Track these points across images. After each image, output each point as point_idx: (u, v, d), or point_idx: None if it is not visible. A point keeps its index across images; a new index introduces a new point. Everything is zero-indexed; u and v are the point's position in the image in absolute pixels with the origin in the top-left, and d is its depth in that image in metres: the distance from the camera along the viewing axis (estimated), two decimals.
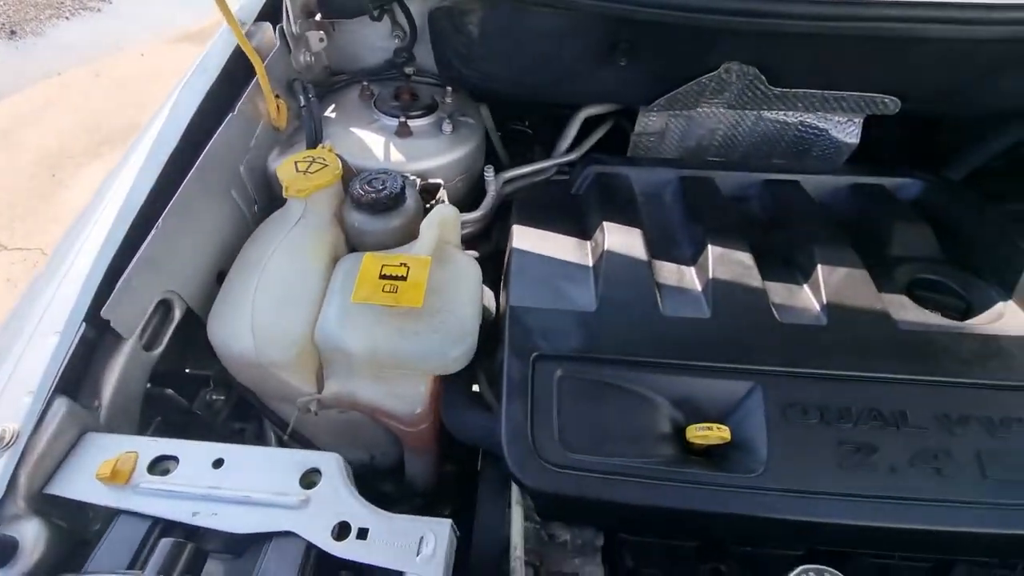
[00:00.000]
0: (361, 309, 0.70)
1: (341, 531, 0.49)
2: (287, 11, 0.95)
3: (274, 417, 0.79)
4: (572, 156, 1.14)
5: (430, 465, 0.85)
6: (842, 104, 1.08)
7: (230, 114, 0.83)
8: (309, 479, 0.53)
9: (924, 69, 0.95)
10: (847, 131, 1.15)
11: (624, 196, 0.96)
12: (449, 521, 0.51)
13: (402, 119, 0.99)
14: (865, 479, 0.64)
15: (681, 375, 0.71)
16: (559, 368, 0.71)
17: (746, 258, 0.81)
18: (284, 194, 0.79)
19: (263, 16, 1.02)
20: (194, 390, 0.81)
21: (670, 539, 0.68)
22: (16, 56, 4.79)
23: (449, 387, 0.76)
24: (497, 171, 1.06)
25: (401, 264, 0.72)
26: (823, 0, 0.81)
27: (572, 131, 1.18)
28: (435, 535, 0.49)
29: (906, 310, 0.76)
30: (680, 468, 0.64)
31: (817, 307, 0.76)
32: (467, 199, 1.07)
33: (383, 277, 0.70)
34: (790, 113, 1.14)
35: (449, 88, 1.09)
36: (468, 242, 1.02)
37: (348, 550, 0.48)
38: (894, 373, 0.69)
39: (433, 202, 0.92)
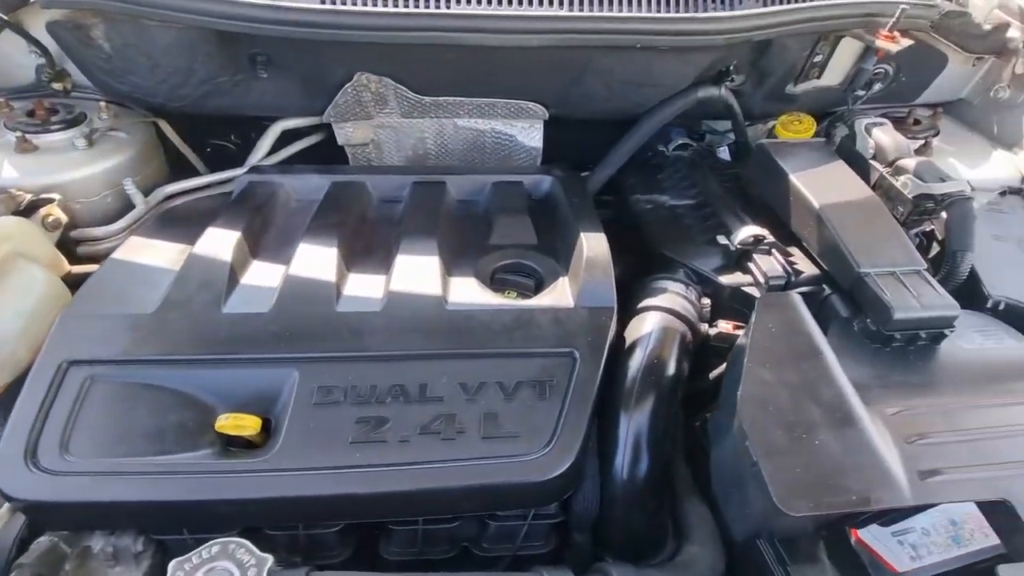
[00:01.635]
0: None
1: None
2: None
3: None
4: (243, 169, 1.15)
5: None
6: (499, 111, 1.17)
7: None
8: None
9: (527, 76, 1.05)
10: (531, 136, 1.25)
11: (258, 202, 0.98)
12: None
13: (19, 134, 0.96)
14: (374, 451, 0.67)
15: (227, 369, 0.72)
16: (92, 373, 0.70)
17: (330, 253, 0.85)
18: None
19: None
20: None
21: (203, 533, 0.68)
22: None
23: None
24: None
25: None
26: (391, 12, 0.88)
27: (265, 144, 1.19)
28: None
29: (467, 292, 0.82)
30: (198, 461, 0.65)
31: (381, 295, 0.81)
32: (120, 214, 1.04)
33: None
34: (479, 120, 1.23)
35: (102, 103, 1.07)
36: None
37: None
38: (427, 350, 0.74)
39: (43, 215, 0.89)
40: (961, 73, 1.23)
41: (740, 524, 0.64)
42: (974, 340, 0.76)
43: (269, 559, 0.52)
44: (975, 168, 1.11)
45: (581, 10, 0.90)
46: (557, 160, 1.22)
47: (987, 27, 1.12)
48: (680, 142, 1.22)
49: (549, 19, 0.89)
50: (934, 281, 0.78)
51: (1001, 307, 0.82)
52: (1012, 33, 1.14)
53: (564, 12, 0.90)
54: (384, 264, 0.87)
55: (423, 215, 0.96)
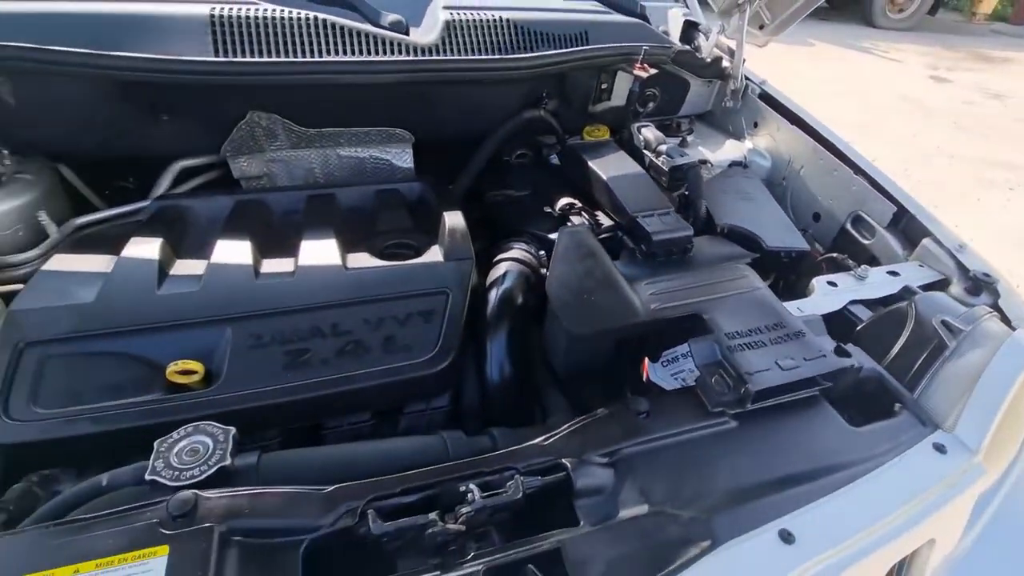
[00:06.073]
0: None
1: None
2: None
3: None
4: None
5: None
6: (373, 138, 1.46)
7: None
8: None
9: (390, 107, 1.36)
10: (403, 159, 1.54)
11: (172, 219, 1.16)
12: None
13: None
14: (302, 371, 0.89)
15: (169, 333, 0.90)
16: (48, 350, 0.84)
17: (244, 246, 1.06)
18: None
19: None
20: None
21: None
22: None
23: None
24: None
25: None
26: (271, 62, 1.15)
27: (164, 182, 1.35)
28: None
29: (362, 260, 1.07)
30: (142, 398, 0.82)
31: (292, 269, 1.03)
32: (33, 244, 1.15)
33: None
34: (358, 149, 1.49)
35: (5, 151, 1.19)
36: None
37: None
38: (334, 300, 0.98)
39: None
40: (703, 92, 1.76)
41: (557, 359, 0.95)
42: (704, 248, 1.16)
43: (233, 429, 0.72)
44: (714, 152, 1.60)
45: (422, 56, 1.24)
46: None
47: (708, 60, 1.65)
48: (518, 152, 1.59)
49: (399, 62, 1.21)
50: (678, 216, 1.18)
51: (726, 231, 1.24)
52: (725, 63, 1.68)
53: (410, 58, 1.23)
54: (291, 252, 1.10)
55: (320, 216, 1.20)
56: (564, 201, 1.26)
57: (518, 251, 1.18)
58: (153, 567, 0.55)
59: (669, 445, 0.74)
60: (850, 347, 0.91)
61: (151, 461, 0.68)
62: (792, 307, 0.99)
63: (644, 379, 0.98)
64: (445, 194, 1.33)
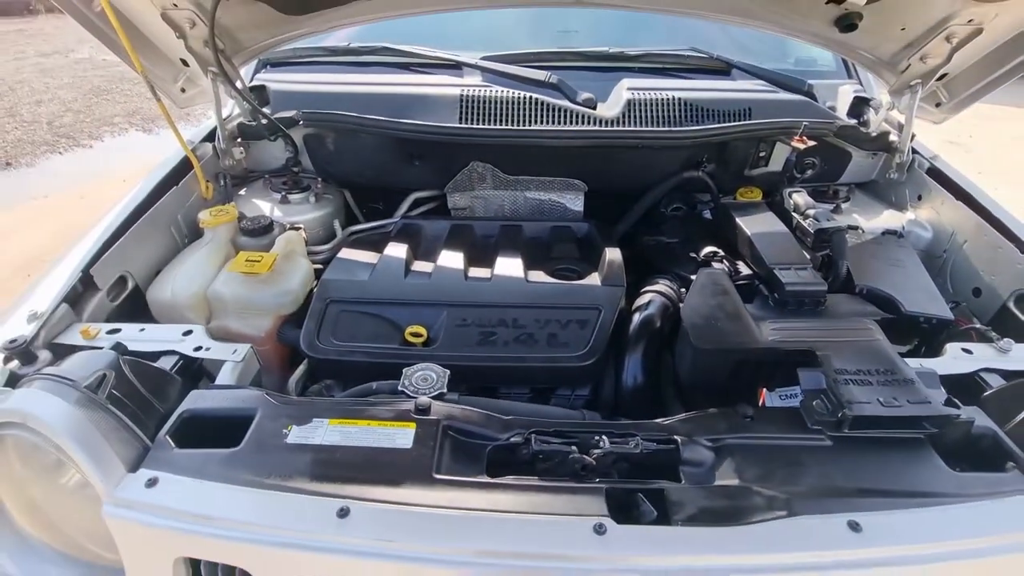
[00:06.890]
0: (233, 277, 1.32)
1: (196, 349, 1.07)
2: (218, 136, 1.68)
3: None
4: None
5: (277, 381, 1.40)
6: (555, 184, 1.84)
7: (174, 187, 1.51)
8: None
9: (574, 164, 1.72)
10: (575, 204, 1.90)
11: (411, 232, 1.64)
12: (248, 346, 1.09)
13: (283, 193, 1.69)
14: (489, 348, 1.25)
15: (409, 307, 1.33)
16: (341, 307, 1.32)
17: (459, 256, 1.47)
18: (200, 225, 1.43)
19: (207, 139, 1.75)
20: None
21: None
22: (7, 182, 5.47)
23: (285, 321, 1.35)
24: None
25: (260, 256, 1.35)
26: (495, 128, 1.58)
27: (404, 206, 1.89)
28: (241, 350, 1.08)
29: (538, 277, 1.42)
30: (389, 345, 1.25)
31: (489, 276, 1.41)
32: (327, 240, 1.72)
33: (248, 260, 1.33)
34: (541, 193, 1.90)
35: (319, 178, 1.81)
36: (324, 262, 1.65)
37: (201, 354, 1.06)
38: (516, 302, 1.33)
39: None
40: (866, 163, 1.83)
41: (683, 370, 1.16)
42: (838, 305, 1.28)
43: (448, 371, 1.09)
44: (870, 220, 1.66)
45: (606, 127, 1.58)
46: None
47: (874, 134, 1.73)
48: (674, 206, 1.84)
49: (587, 132, 1.57)
50: (815, 273, 1.32)
51: (864, 292, 1.33)
52: (893, 137, 1.74)
53: (596, 128, 1.58)
54: (488, 264, 1.49)
55: (509, 241, 1.59)
56: (708, 249, 1.48)
57: (662, 285, 1.43)
58: (407, 433, 0.92)
59: (766, 445, 0.92)
60: (971, 407, 0.98)
61: (401, 380, 1.07)
62: (914, 363, 1.07)
63: (760, 404, 1.15)
64: (607, 234, 1.64)
